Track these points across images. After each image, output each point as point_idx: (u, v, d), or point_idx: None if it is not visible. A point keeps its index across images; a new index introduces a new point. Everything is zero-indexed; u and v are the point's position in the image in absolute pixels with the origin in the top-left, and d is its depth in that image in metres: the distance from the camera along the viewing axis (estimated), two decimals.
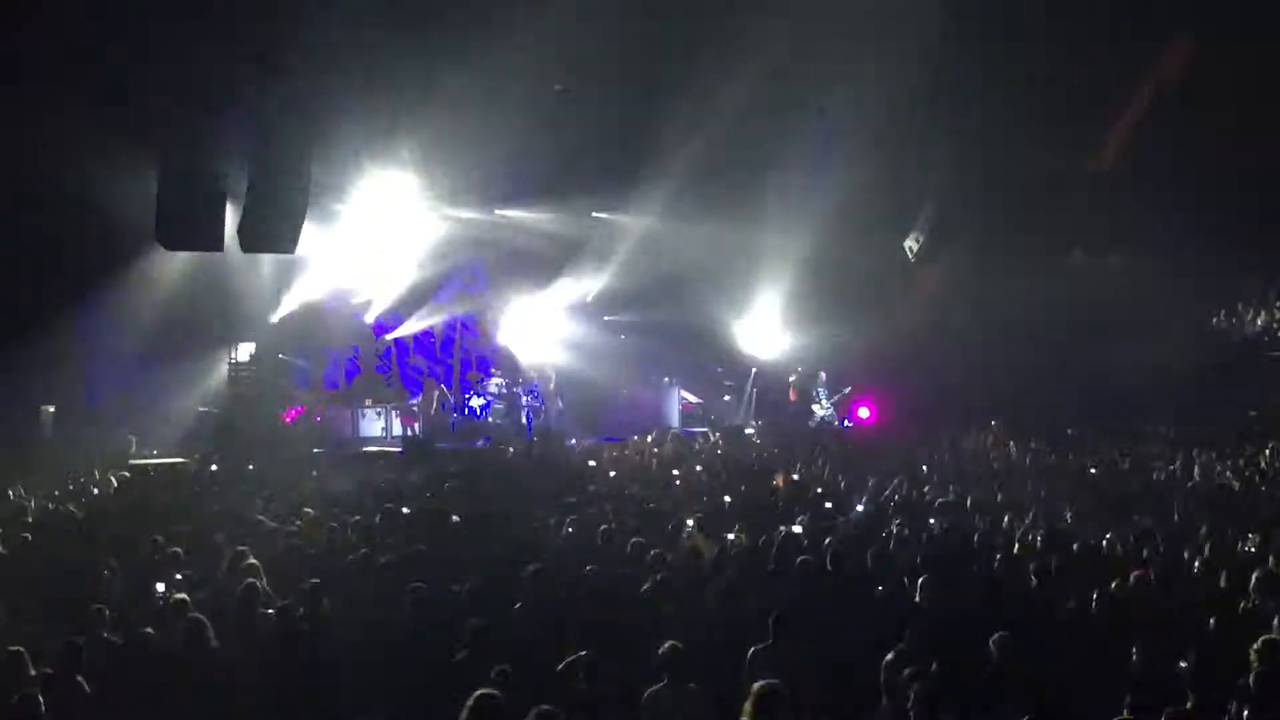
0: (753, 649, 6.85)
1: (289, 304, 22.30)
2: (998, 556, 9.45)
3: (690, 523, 11.16)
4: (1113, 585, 8.18)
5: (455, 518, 11.85)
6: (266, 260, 21.12)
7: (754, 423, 23.80)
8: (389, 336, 23.79)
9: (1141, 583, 8.26)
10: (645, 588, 8.38)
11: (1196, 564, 9.23)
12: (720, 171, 19.87)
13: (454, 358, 24.44)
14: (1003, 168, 19.67)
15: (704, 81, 16.94)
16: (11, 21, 13.75)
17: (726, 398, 25.50)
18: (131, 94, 14.97)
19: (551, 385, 23.22)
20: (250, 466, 17.04)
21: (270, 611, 8.14)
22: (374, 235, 21.76)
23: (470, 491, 13.91)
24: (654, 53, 16.68)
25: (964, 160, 19.50)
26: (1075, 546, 9.95)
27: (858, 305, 23.64)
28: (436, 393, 23.10)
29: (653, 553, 9.50)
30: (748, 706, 5.54)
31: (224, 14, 13.98)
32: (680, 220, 22.00)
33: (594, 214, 22.95)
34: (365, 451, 20.28)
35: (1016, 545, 10.08)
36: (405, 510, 12.27)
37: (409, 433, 21.60)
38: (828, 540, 10.09)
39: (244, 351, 21.79)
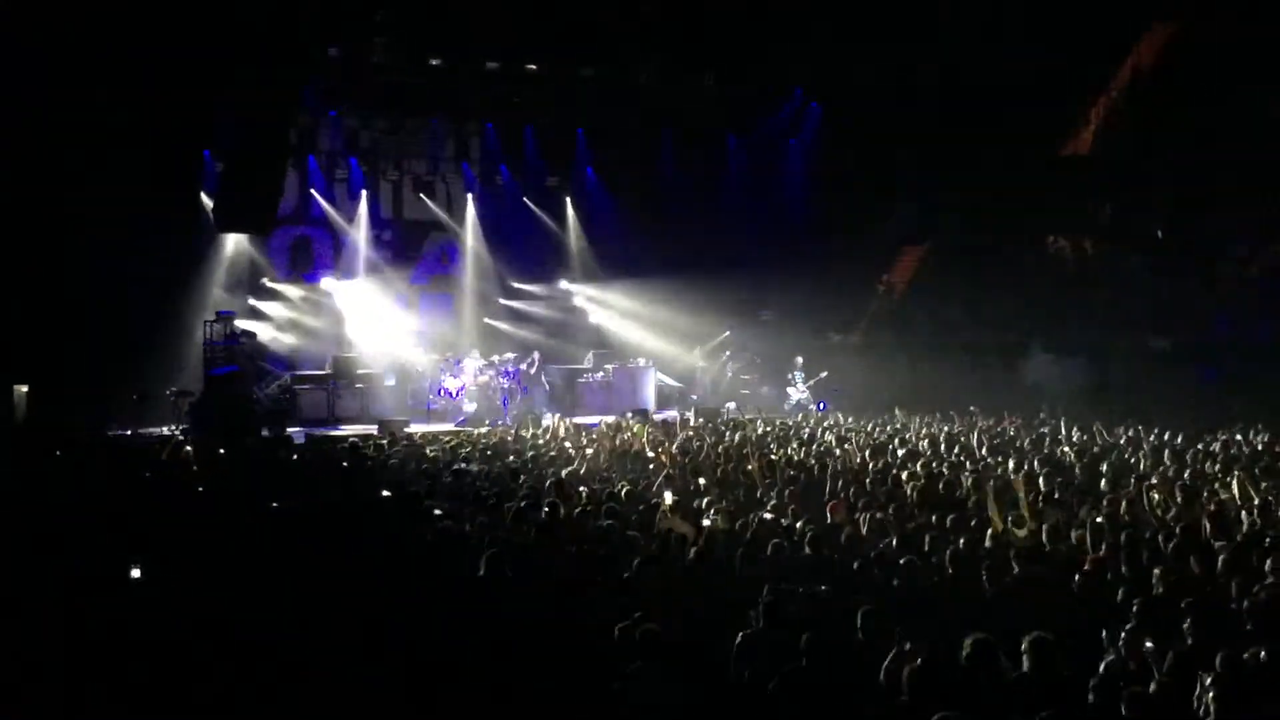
0: (741, 634, 6.76)
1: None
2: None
3: (667, 500, 11.10)
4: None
5: None
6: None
7: (729, 405, 23.91)
8: None
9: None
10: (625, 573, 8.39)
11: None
12: None
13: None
14: None
15: None
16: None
17: (704, 378, 25.78)
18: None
19: (534, 369, 23.21)
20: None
21: None
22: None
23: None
24: None
25: None
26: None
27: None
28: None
29: (629, 534, 9.57)
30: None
31: None
32: None
33: None
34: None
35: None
36: None
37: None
38: (802, 524, 10.10)
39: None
